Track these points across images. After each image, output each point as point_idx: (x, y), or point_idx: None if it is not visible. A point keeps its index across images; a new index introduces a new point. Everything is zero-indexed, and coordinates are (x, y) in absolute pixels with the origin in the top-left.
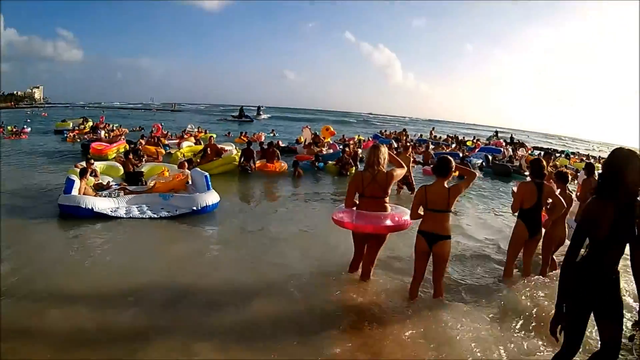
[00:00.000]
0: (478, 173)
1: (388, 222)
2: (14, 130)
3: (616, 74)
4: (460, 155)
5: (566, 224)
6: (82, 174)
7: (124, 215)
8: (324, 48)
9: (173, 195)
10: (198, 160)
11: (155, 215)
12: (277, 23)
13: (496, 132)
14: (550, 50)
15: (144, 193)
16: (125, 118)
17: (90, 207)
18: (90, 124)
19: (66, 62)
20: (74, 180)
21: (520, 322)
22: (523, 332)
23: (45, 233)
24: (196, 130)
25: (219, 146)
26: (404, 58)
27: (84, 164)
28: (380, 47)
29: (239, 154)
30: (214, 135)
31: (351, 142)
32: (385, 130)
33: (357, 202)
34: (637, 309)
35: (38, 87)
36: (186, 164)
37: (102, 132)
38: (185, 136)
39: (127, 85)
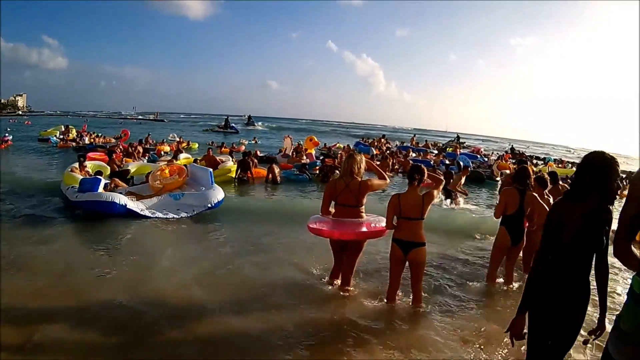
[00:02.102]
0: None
1: (363, 229)
2: None
3: (602, 81)
4: (432, 162)
5: None
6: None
7: (150, 215)
8: (307, 58)
9: (183, 194)
10: None
11: (176, 216)
12: (261, 33)
13: (457, 136)
14: (533, 59)
15: (154, 197)
16: (105, 128)
17: (124, 204)
18: (74, 132)
19: (50, 70)
20: (100, 179)
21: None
22: (502, 345)
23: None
24: (178, 139)
25: (217, 158)
26: (387, 67)
27: (77, 165)
28: (364, 57)
29: (235, 165)
30: (195, 145)
31: (341, 150)
32: (368, 139)
33: (333, 210)
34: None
35: (21, 95)
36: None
37: (86, 139)
38: (165, 145)
39: (110, 94)
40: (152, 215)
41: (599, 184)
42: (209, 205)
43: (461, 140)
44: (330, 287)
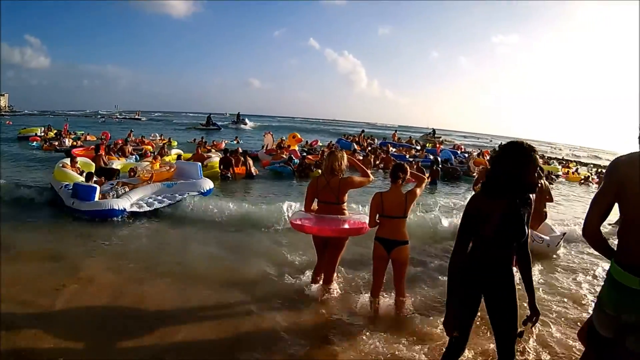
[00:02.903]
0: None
1: (343, 226)
2: None
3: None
4: (408, 157)
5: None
6: (89, 178)
7: (148, 208)
8: (289, 55)
9: (176, 183)
10: None
11: (172, 201)
12: (243, 32)
13: (433, 130)
14: (515, 56)
15: (144, 185)
16: (88, 127)
17: (122, 208)
18: (54, 132)
19: (32, 70)
20: (95, 187)
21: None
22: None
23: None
24: (158, 138)
25: (205, 155)
26: (369, 65)
27: (68, 161)
28: (345, 54)
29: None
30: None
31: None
32: (348, 136)
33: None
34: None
35: (3, 95)
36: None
37: (67, 141)
38: (146, 143)
39: (93, 93)
40: (150, 208)
41: (515, 175)
42: (201, 192)
43: (437, 135)
44: (313, 286)
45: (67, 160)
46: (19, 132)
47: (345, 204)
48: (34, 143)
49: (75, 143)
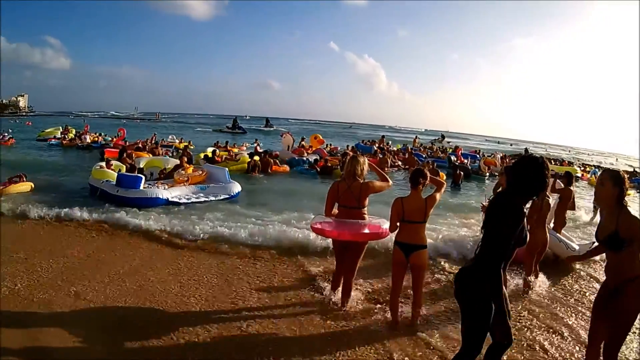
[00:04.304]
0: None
1: (365, 230)
2: None
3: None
4: (424, 156)
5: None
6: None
7: (186, 201)
8: (308, 58)
9: (209, 186)
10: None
11: (207, 199)
12: (263, 34)
13: (442, 135)
14: (534, 59)
15: (180, 186)
16: (103, 127)
17: (166, 198)
18: (73, 132)
19: (53, 70)
20: (141, 177)
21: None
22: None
23: None
24: (177, 141)
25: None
26: (389, 68)
27: (103, 164)
28: (365, 57)
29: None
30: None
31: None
32: (368, 141)
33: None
34: None
35: (23, 95)
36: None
37: (88, 137)
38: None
39: (111, 94)
40: (188, 201)
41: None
42: (231, 194)
43: (447, 140)
44: (333, 293)
45: (103, 163)
46: (38, 134)
47: (365, 208)
48: (52, 141)
49: (97, 139)
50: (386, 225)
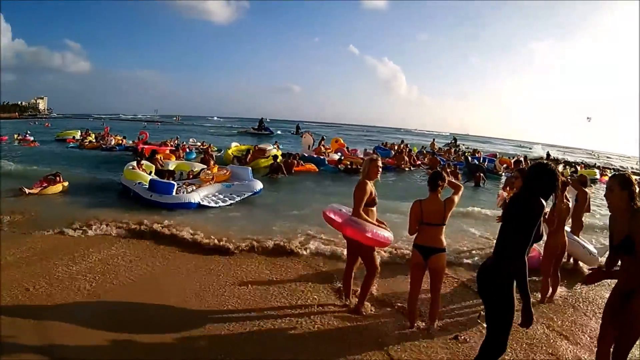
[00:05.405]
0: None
1: (367, 235)
2: (20, 138)
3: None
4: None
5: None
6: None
7: (215, 205)
8: (328, 62)
9: (234, 184)
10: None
11: (233, 201)
12: (283, 38)
13: (454, 138)
14: (554, 64)
15: (206, 185)
16: (123, 130)
17: (197, 202)
18: (93, 136)
19: (73, 74)
20: (174, 184)
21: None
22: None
23: None
24: (199, 144)
25: (261, 146)
26: (409, 71)
27: (134, 164)
28: (385, 61)
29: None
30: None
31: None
32: (387, 143)
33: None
34: None
35: (42, 98)
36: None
37: (112, 140)
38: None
39: (131, 97)
40: (215, 205)
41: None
42: (255, 191)
43: (458, 143)
44: (346, 297)
45: (135, 163)
46: (56, 135)
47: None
48: (71, 144)
49: (121, 142)
50: (390, 237)
